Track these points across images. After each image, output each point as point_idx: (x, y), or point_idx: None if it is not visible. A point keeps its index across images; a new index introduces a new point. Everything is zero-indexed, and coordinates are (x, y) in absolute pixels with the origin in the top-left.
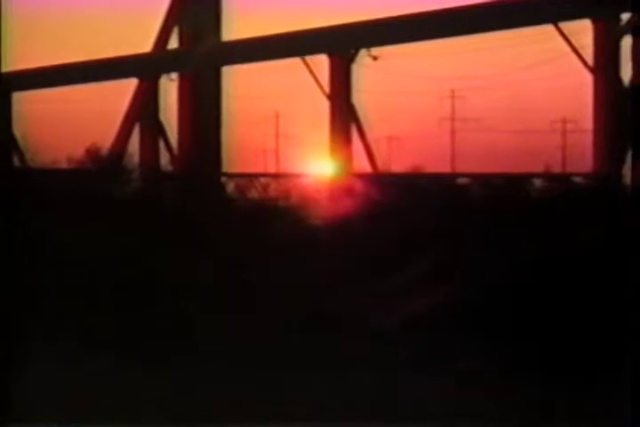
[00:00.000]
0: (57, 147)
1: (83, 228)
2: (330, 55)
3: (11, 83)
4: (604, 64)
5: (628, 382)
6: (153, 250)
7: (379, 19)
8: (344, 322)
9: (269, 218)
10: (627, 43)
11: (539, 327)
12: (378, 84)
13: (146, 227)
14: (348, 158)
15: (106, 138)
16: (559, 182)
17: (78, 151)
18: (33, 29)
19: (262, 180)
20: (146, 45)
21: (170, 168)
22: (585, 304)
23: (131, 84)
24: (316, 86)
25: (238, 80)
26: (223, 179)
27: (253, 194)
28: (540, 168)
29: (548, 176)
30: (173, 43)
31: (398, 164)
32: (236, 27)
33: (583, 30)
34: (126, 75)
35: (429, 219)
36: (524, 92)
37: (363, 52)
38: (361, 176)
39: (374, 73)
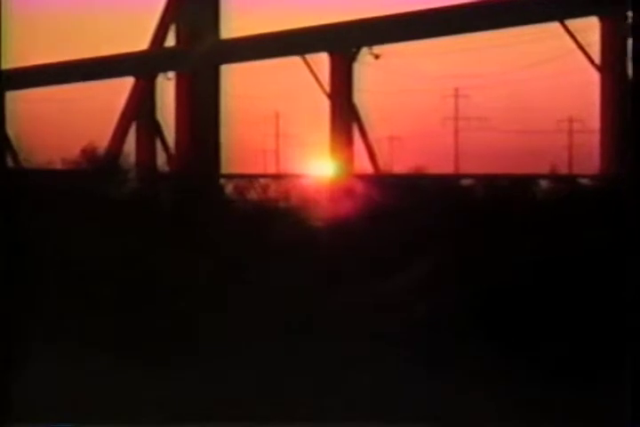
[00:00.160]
0: (52, 147)
1: (78, 229)
2: (330, 54)
3: (3, 81)
4: (612, 62)
5: (629, 382)
6: (150, 252)
7: (380, 16)
8: (344, 323)
9: (269, 220)
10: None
11: (542, 328)
12: (379, 83)
13: (142, 229)
14: (349, 159)
15: (102, 138)
16: (565, 184)
17: (74, 151)
18: (25, 27)
19: (262, 181)
20: (142, 43)
21: (167, 169)
22: (587, 305)
23: (127, 82)
24: (316, 85)
25: (237, 79)
26: (222, 180)
27: (253, 195)
28: (545, 169)
29: (553, 177)
30: (170, 41)
31: (400, 164)
32: (234, 24)
33: (590, 28)
34: (122, 73)
35: (432, 221)
36: (529, 90)
37: (364, 50)
38: (362, 177)
39: (376, 72)
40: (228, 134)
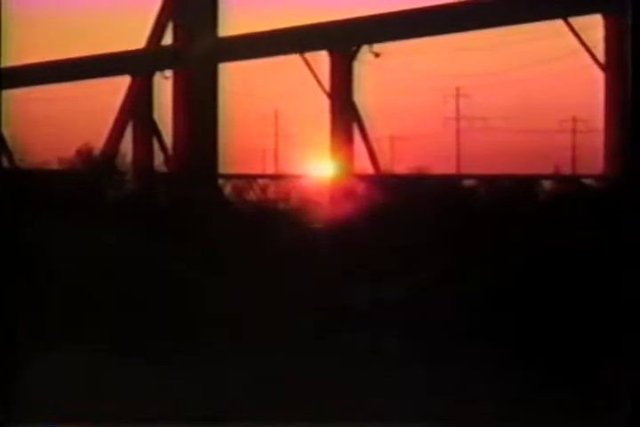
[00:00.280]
0: (47, 147)
1: (72, 231)
2: (330, 52)
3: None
4: (616, 61)
5: (628, 382)
6: (147, 254)
7: (381, 14)
8: (344, 324)
9: (268, 221)
10: None
11: (545, 327)
12: (380, 81)
13: (139, 230)
14: (350, 159)
15: (97, 138)
16: (569, 184)
17: (69, 152)
18: (21, 25)
19: (261, 181)
20: (139, 41)
21: (164, 169)
22: (591, 305)
23: (123, 81)
24: (316, 84)
25: (235, 78)
26: (220, 180)
27: (251, 196)
28: (549, 169)
29: (557, 178)
30: (168, 38)
31: (401, 165)
32: (232, 22)
33: (594, 26)
34: (118, 72)
35: (433, 222)
36: (532, 89)
37: (364, 48)
38: (363, 177)
39: (376, 70)
40: (226, 134)
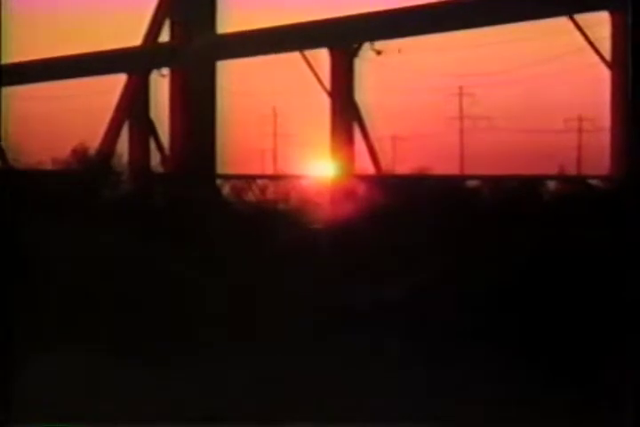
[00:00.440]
0: (41, 146)
1: (66, 233)
2: (331, 49)
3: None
4: (623, 59)
5: (631, 382)
6: (144, 256)
7: (383, 10)
8: (344, 325)
9: (267, 222)
10: None
11: (549, 328)
12: (382, 80)
13: (135, 232)
14: (350, 159)
15: (93, 137)
16: (574, 185)
17: (64, 151)
18: (13, 23)
19: (259, 182)
20: (135, 39)
21: (161, 170)
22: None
23: (119, 79)
24: (316, 82)
25: (234, 76)
26: (218, 181)
27: (250, 197)
28: (554, 170)
29: (562, 178)
30: (165, 36)
31: (403, 165)
32: (231, 18)
33: (600, 23)
34: (114, 70)
35: (435, 223)
36: (536, 88)
37: (366, 46)
38: (363, 178)
39: (378, 68)
40: (224, 133)
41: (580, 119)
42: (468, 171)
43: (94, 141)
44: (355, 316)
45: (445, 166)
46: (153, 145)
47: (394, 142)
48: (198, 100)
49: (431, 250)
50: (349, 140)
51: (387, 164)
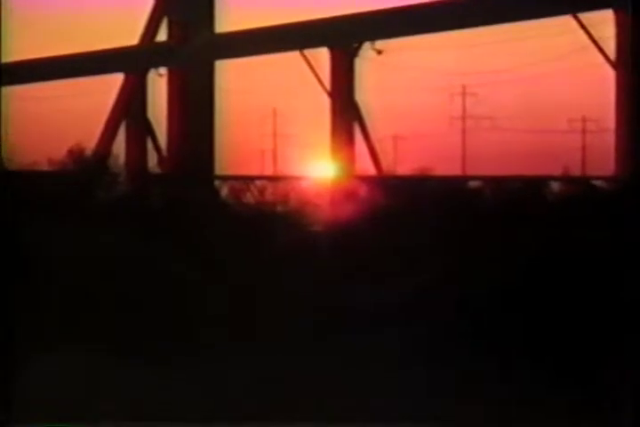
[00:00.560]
0: (37, 147)
1: (62, 234)
2: (331, 49)
3: None
4: (628, 58)
5: (630, 382)
6: (141, 259)
7: (383, 9)
8: (344, 327)
9: (266, 224)
10: None
11: (551, 328)
12: (382, 79)
13: (131, 234)
14: (351, 160)
15: (89, 138)
16: (578, 186)
17: (60, 152)
18: (9, 22)
19: (258, 183)
20: (132, 38)
21: (158, 170)
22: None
23: (116, 79)
24: (316, 82)
25: (232, 75)
26: (216, 182)
27: (249, 198)
28: (558, 171)
29: (566, 179)
30: (162, 35)
31: (404, 166)
32: (229, 17)
33: (604, 21)
34: (111, 69)
35: (437, 225)
36: (540, 88)
37: (366, 45)
38: (364, 179)
39: (379, 68)
40: (222, 134)
41: (585, 120)
42: (471, 171)
43: (91, 142)
44: (355, 317)
45: (448, 167)
46: (150, 145)
47: (395, 143)
48: (196, 99)
49: (433, 252)
50: (350, 140)
51: (388, 164)
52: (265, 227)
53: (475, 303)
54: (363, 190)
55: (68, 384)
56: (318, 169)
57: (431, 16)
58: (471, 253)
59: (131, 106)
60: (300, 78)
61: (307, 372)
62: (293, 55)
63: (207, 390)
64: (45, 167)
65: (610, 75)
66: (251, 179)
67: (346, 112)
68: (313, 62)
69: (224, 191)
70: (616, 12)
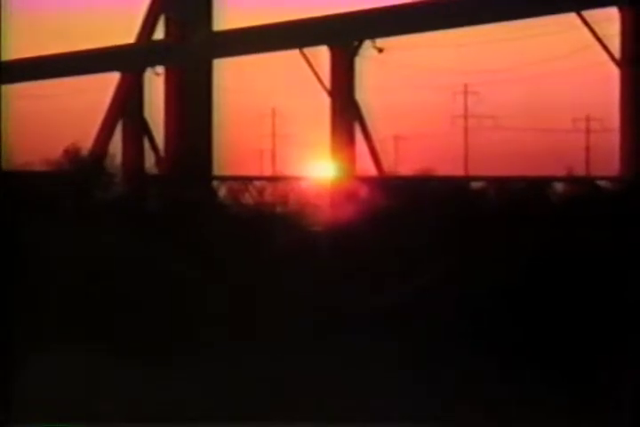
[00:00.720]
0: (32, 146)
1: (58, 235)
2: (331, 47)
3: None
4: (633, 56)
5: (630, 383)
6: (137, 262)
7: (383, 7)
8: (343, 329)
9: (265, 225)
10: None
11: (552, 328)
12: (383, 78)
13: (128, 235)
14: (351, 160)
15: (85, 137)
16: (583, 186)
17: (55, 151)
18: (5, 20)
19: (257, 183)
20: (129, 36)
21: (155, 171)
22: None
23: (113, 78)
24: (315, 81)
25: (231, 74)
26: (214, 182)
27: (248, 199)
28: (561, 171)
29: (570, 179)
30: (159, 33)
31: (406, 166)
32: (228, 15)
33: (609, 19)
34: (108, 68)
35: (439, 227)
36: (544, 87)
37: (367, 43)
38: (365, 179)
39: (379, 67)
40: (221, 134)
41: (589, 119)
42: (473, 172)
43: (87, 141)
44: (355, 318)
45: (449, 167)
46: (147, 145)
47: (396, 142)
48: (194, 99)
49: (434, 254)
50: (350, 140)
51: (389, 165)
52: (264, 228)
53: (477, 304)
54: (363, 191)
55: (67, 384)
56: (318, 169)
57: (432, 14)
58: (474, 254)
59: (127, 105)
60: (299, 77)
61: (306, 372)
62: (293, 54)
63: (206, 390)
64: (41, 167)
65: (614, 73)
66: (249, 179)
67: (346, 111)
68: (312, 61)
69: (222, 192)
70: (621, 9)
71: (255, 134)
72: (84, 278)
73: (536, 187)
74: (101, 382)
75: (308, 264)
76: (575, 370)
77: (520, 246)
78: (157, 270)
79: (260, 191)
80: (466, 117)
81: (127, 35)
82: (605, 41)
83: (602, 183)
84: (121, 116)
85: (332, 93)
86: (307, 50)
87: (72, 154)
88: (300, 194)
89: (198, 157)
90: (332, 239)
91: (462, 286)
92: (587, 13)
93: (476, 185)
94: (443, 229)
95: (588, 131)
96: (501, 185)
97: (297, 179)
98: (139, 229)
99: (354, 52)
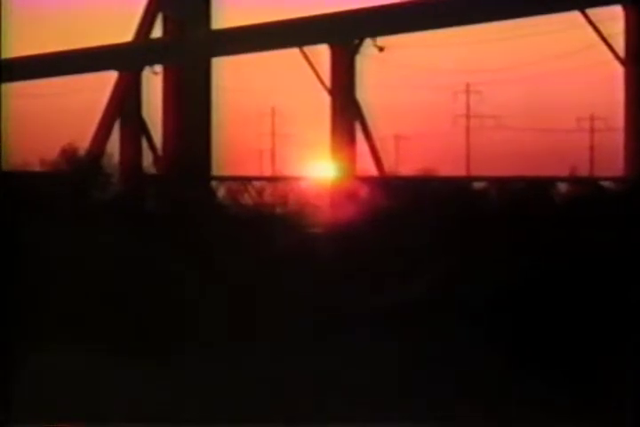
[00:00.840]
0: (28, 146)
1: (54, 236)
2: (331, 45)
3: None
4: (637, 55)
5: (630, 382)
6: (135, 264)
7: (384, 5)
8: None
9: (265, 226)
10: None
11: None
12: (384, 77)
13: (125, 236)
14: (352, 160)
15: (83, 137)
16: (586, 187)
17: (52, 151)
18: (1, 18)
19: (257, 184)
20: (126, 34)
21: (153, 170)
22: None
23: (110, 77)
24: (315, 80)
25: (230, 73)
26: (213, 182)
27: (247, 199)
28: (565, 171)
29: (574, 180)
30: (157, 31)
31: (407, 166)
32: (227, 13)
33: (613, 18)
34: (105, 67)
35: (441, 227)
36: (547, 86)
37: (367, 42)
38: (365, 179)
39: (380, 65)
40: (219, 133)
41: (593, 118)
42: (475, 172)
43: (84, 141)
44: (355, 319)
45: (451, 167)
46: (145, 145)
47: (397, 142)
48: (192, 98)
49: (436, 255)
50: (351, 139)
51: (390, 165)
52: (263, 229)
53: (478, 304)
54: (364, 191)
55: (67, 384)
56: (318, 169)
57: (434, 12)
58: (475, 256)
59: (125, 104)
60: (299, 76)
61: (306, 372)
62: (292, 52)
63: (206, 390)
64: (37, 167)
65: (619, 72)
66: (248, 179)
67: (346, 111)
68: (313, 59)
69: (221, 192)
70: (625, 7)
71: (254, 134)
72: (82, 278)
73: (539, 187)
74: (101, 382)
75: (308, 265)
76: (576, 370)
77: (522, 247)
78: (155, 271)
79: (260, 192)
80: (468, 117)
81: (125, 33)
82: (609, 39)
83: (606, 184)
84: (118, 115)
85: (332, 92)
86: (307, 48)
87: (69, 153)
88: (300, 194)
89: (197, 156)
90: (332, 240)
91: (464, 286)
92: (590, 12)
93: (477, 185)
94: (444, 229)
95: (592, 130)
96: (503, 185)
97: (297, 179)
98: (136, 229)
99: (354, 50)
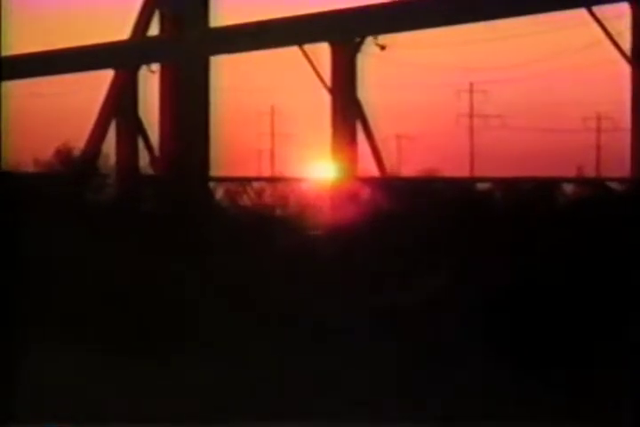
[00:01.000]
0: (24, 146)
1: (50, 237)
2: (332, 44)
3: None
4: None
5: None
6: (133, 266)
7: (386, 2)
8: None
9: (264, 228)
10: None
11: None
12: (386, 76)
13: (123, 238)
14: (353, 160)
15: (78, 137)
16: (593, 188)
17: (47, 151)
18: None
19: (256, 184)
20: (123, 32)
21: (150, 171)
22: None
23: (106, 75)
24: (316, 79)
25: (228, 72)
26: (211, 183)
27: (246, 200)
28: (571, 172)
29: (580, 180)
30: (154, 29)
31: (409, 166)
32: (225, 11)
33: (620, 15)
34: (101, 65)
35: (443, 229)
36: (552, 85)
37: (369, 40)
38: (367, 180)
39: (382, 64)
40: (218, 133)
41: (599, 118)
42: (479, 172)
43: (79, 141)
44: (355, 320)
45: (454, 168)
46: (142, 145)
47: (399, 142)
48: (190, 97)
49: (438, 257)
50: (352, 139)
51: (391, 165)
52: (263, 230)
53: (480, 304)
54: (365, 192)
55: (67, 384)
56: (318, 170)
57: (437, 10)
58: (479, 258)
59: (121, 103)
60: (299, 75)
61: (306, 372)
62: (292, 50)
63: (206, 390)
64: (31, 167)
65: (626, 71)
66: (248, 180)
67: (347, 110)
68: (313, 58)
69: (219, 193)
70: (632, 4)
71: (253, 133)
72: (80, 278)
73: (544, 188)
74: (101, 382)
75: (309, 266)
76: (576, 370)
77: (527, 249)
78: (154, 271)
79: (259, 193)
80: (471, 116)
81: (121, 31)
82: (616, 37)
83: (612, 184)
84: (115, 114)
85: (332, 91)
86: (307, 46)
87: (64, 154)
88: (300, 195)
89: (194, 157)
90: (332, 242)
91: (467, 287)
92: (597, 9)
93: (481, 186)
94: (447, 231)
95: (598, 130)
96: (508, 186)
97: (297, 179)
98: (133, 229)
99: (355, 48)
